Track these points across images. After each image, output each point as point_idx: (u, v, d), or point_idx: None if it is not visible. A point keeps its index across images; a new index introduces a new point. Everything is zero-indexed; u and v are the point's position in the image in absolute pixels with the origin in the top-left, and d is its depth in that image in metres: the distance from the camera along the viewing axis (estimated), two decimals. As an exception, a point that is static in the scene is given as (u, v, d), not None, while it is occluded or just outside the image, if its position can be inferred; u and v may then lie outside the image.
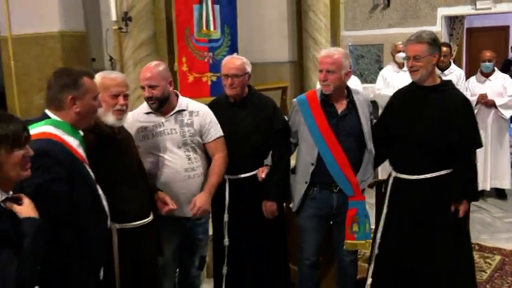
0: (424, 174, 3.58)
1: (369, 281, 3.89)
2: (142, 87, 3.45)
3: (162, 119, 3.50)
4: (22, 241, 1.95)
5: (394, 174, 3.80)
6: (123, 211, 3.06)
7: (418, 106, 3.63)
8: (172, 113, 3.52)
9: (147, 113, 3.53)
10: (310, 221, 3.75)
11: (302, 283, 3.98)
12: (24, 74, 9.37)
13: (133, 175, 3.19)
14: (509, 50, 12.94)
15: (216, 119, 3.64)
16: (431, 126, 3.54)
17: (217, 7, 7.16)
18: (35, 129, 2.48)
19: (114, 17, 7.13)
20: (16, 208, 2.03)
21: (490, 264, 4.98)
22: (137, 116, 3.56)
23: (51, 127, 2.53)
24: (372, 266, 3.90)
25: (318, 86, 6.87)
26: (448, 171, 3.58)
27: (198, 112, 3.56)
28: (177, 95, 3.62)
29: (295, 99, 3.92)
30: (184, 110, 3.55)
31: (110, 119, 3.07)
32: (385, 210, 3.85)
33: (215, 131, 3.59)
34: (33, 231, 1.99)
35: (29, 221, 2.00)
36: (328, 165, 3.58)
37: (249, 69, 3.86)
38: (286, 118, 4.09)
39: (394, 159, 3.86)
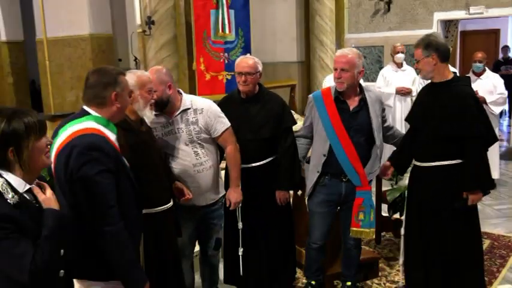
0: (433, 162, 3.54)
1: (401, 260, 3.91)
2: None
3: (170, 119, 3.44)
4: (39, 231, 1.86)
5: (413, 161, 3.79)
6: (149, 197, 3.07)
7: (429, 102, 3.62)
8: (177, 113, 3.43)
9: (156, 115, 3.43)
10: (320, 206, 3.74)
11: (309, 264, 3.99)
12: (57, 73, 9.44)
13: (156, 164, 3.20)
14: (500, 51, 12.86)
15: (220, 113, 3.53)
16: (436, 121, 3.52)
17: (232, 12, 7.17)
18: (78, 125, 2.45)
19: (138, 21, 7.17)
20: (41, 197, 1.94)
21: (480, 247, 4.96)
22: (148, 117, 3.51)
23: (93, 122, 2.49)
24: (402, 245, 3.91)
25: (324, 83, 6.90)
26: (457, 161, 3.51)
27: (202, 109, 3.46)
28: (180, 94, 3.54)
29: (311, 95, 3.88)
30: (189, 109, 3.44)
31: (147, 113, 3.08)
32: (406, 194, 3.90)
33: (221, 124, 3.48)
34: (52, 222, 1.88)
35: (50, 212, 1.91)
36: (339, 157, 3.56)
37: (260, 68, 3.86)
38: (293, 113, 4.10)
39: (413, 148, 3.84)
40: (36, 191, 1.94)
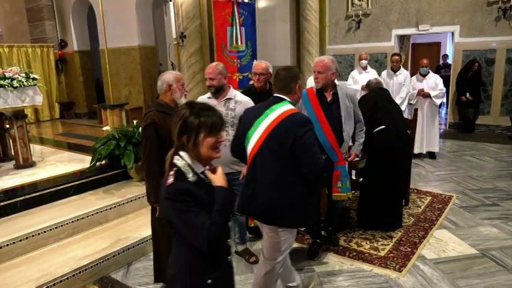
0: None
1: None
2: (205, 79, 3.42)
3: (216, 102, 3.40)
4: (213, 205, 1.69)
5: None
6: None
7: None
8: (223, 99, 3.41)
9: (209, 98, 3.47)
10: None
11: (311, 226, 3.85)
12: (115, 74, 9.42)
13: None
14: (440, 58, 12.75)
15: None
16: None
17: (243, 28, 7.13)
18: (283, 107, 2.52)
19: (174, 35, 7.12)
20: (211, 176, 1.76)
21: (423, 202, 4.95)
22: (202, 98, 3.53)
23: (291, 105, 2.54)
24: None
25: (308, 82, 6.81)
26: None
27: (241, 102, 3.41)
28: (229, 87, 3.50)
29: None
30: (231, 99, 3.42)
31: (183, 101, 3.06)
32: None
33: None
34: (222, 198, 1.69)
35: (221, 190, 1.71)
36: (321, 139, 3.36)
37: (270, 70, 3.88)
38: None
39: None
40: (208, 172, 1.78)
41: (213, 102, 3.40)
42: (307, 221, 2.64)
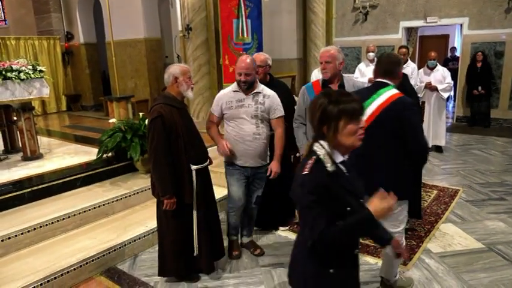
0: None
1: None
2: (239, 74, 3.31)
3: (244, 96, 3.37)
4: (345, 196, 1.63)
5: None
6: (196, 157, 3.09)
7: None
8: (252, 93, 3.37)
9: (234, 91, 3.41)
10: None
11: None
12: (121, 67, 9.44)
13: (196, 131, 3.20)
14: (448, 51, 12.64)
15: (280, 103, 3.46)
16: None
17: (249, 21, 7.08)
18: (389, 92, 2.67)
19: (180, 28, 7.11)
20: (374, 198, 1.65)
21: (429, 196, 4.94)
22: (227, 92, 3.46)
23: (395, 90, 2.69)
24: None
25: (313, 74, 6.76)
26: None
27: (269, 96, 3.40)
28: (257, 82, 3.46)
29: (304, 86, 3.70)
30: (260, 93, 3.39)
31: (189, 93, 3.09)
32: None
33: (279, 111, 3.42)
34: (363, 224, 1.61)
35: (369, 216, 1.59)
36: None
37: (269, 62, 3.84)
38: (294, 97, 4.06)
39: None
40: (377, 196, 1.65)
41: (240, 95, 3.38)
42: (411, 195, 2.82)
